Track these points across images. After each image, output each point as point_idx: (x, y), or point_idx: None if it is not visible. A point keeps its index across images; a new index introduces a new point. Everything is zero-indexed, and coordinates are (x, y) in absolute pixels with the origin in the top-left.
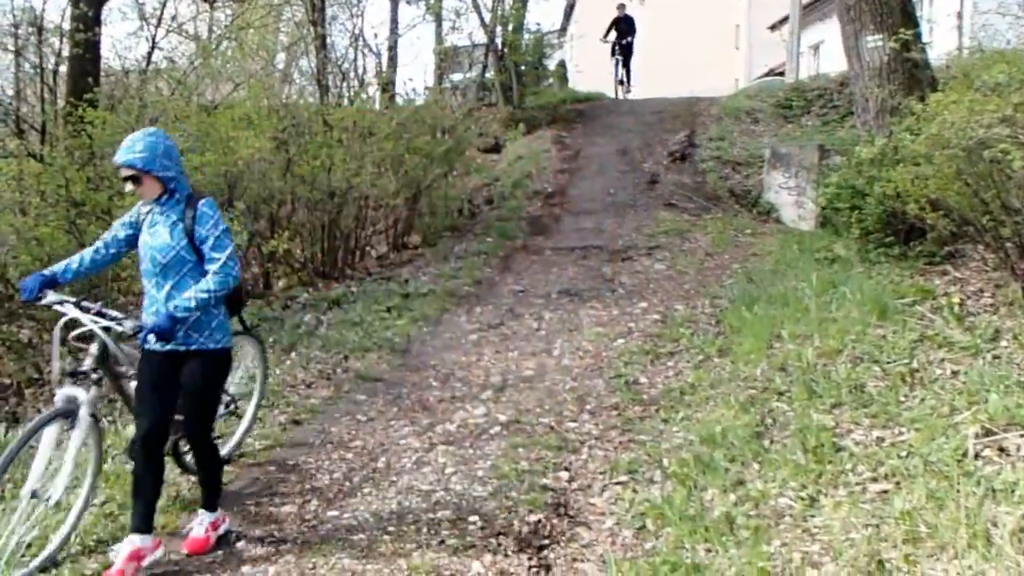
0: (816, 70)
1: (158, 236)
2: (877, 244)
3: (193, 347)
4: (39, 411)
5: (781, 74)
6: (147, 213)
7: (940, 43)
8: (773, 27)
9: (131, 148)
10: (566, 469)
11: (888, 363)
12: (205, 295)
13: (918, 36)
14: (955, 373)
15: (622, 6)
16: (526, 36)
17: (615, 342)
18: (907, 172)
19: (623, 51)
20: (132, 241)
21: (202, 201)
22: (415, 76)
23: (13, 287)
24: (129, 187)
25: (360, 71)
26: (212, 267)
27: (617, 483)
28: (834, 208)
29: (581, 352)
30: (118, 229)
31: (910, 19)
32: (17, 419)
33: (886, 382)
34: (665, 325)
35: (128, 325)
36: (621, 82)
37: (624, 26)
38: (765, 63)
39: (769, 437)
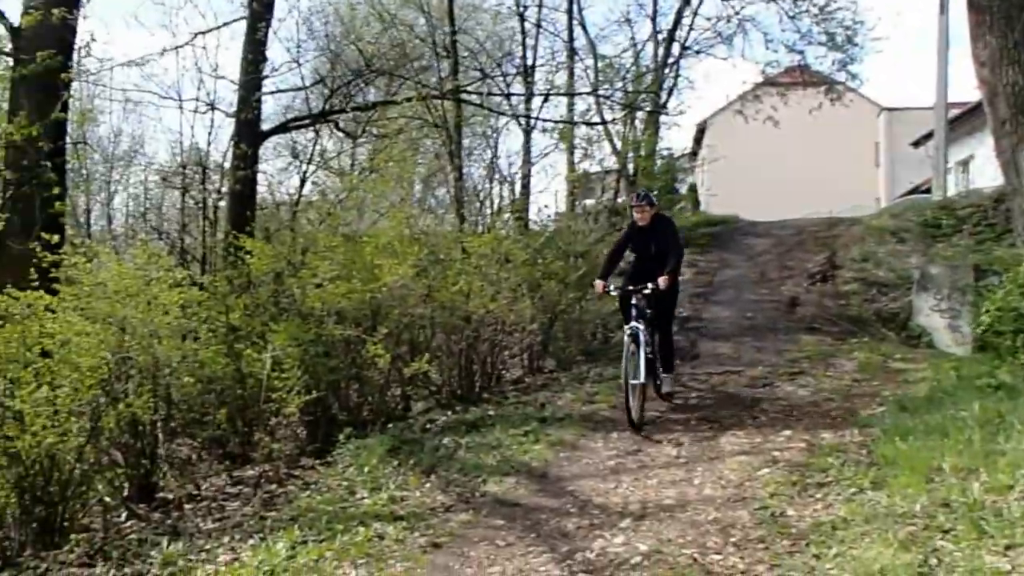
0: (966, 186)
1: None
2: None
3: None
4: (198, 527)
5: (927, 191)
6: None
7: None
8: (917, 143)
9: None
10: None
11: None
12: None
13: None
14: None
15: (641, 198)
16: (657, 161)
17: (759, 471)
18: None
19: (649, 302)
20: None
21: None
22: (548, 202)
23: (176, 407)
24: None
25: (495, 199)
26: None
27: None
28: (996, 332)
29: (723, 481)
30: None
31: None
32: (178, 532)
33: None
34: (812, 454)
35: None
36: (657, 388)
37: (648, 238)
38: (909, 180)
39: None
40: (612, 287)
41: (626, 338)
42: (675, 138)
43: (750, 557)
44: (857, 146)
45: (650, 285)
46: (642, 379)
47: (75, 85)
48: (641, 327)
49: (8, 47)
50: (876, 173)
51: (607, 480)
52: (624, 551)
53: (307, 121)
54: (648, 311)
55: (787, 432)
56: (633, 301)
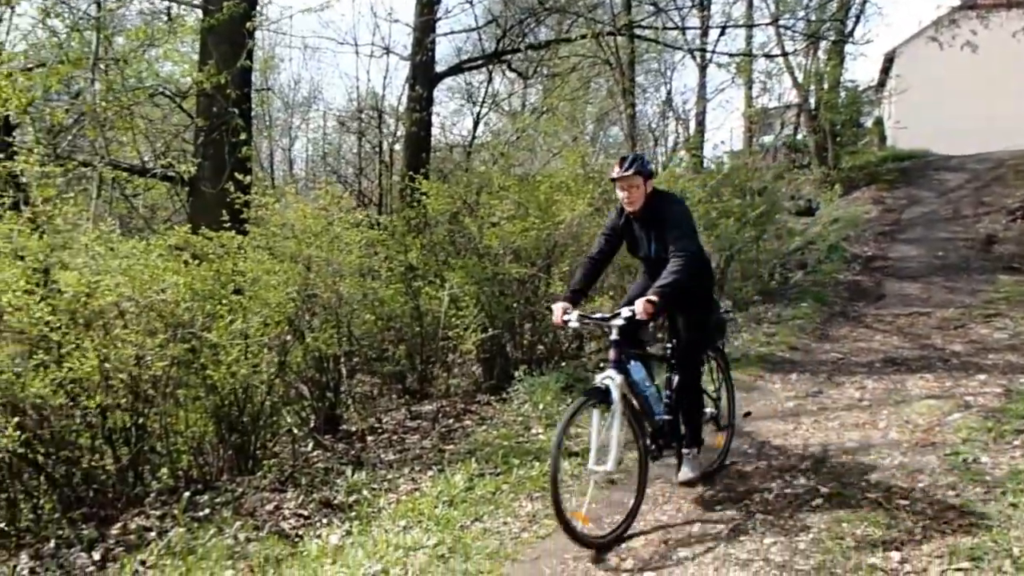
0: None
1: None
2: None
3: None
4: (379, 458)
5: None
6: None
7: None
8: None
9: None
10: (897, 549)
11: None
12: None
13: None
14: None
15: (628, 165)
16: (842, 93)
17: (949, 416)
18: None
19: (675, 328)
20: None
21: None
22: (723, 139)
23: (357, 343)
24: None
25: (670, 136)
26: None
27: (958, 569)
28: None
29: (911, 425)
30: None
31: None
32: (361, 462)
33: None
34: (1009, 400)
35: None
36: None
37: (643, 231)
38: None
39: None
40: (573, 316)
41: (581, 396)
42: (860, 69)
43: (939, 503)
44: None
45: (624, 312)
46: (609, 465)
47: (258, 34)
48: (618, 380)
49: (198, 0)
50: None
51: (786, 421)
52: (804, 492)
53: (480, 62)
54: (669, 347)
55: (981, 376)
56: (613, 335)
